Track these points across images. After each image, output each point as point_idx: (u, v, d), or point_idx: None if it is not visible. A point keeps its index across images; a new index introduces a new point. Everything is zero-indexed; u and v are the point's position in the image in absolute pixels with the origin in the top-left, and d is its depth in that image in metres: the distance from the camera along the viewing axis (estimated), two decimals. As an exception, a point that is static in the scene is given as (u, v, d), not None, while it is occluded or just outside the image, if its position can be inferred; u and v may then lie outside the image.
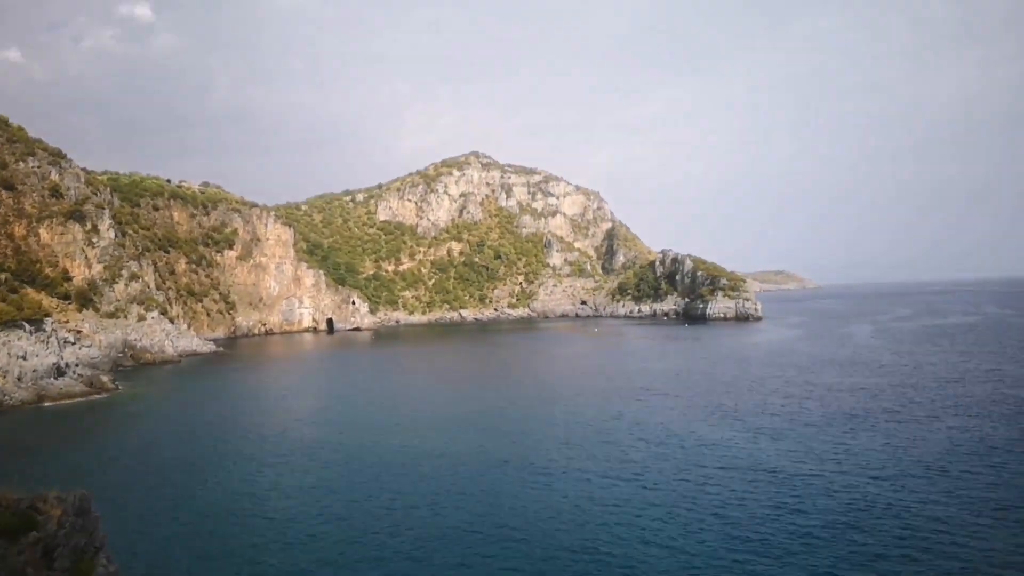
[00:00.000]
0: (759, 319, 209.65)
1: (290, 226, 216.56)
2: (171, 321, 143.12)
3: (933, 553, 30.22)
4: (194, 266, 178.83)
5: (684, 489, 40.43)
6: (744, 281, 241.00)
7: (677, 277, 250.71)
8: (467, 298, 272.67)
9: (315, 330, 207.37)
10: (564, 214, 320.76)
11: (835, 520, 34.43)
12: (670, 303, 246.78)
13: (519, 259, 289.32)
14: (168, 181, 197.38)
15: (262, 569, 31.15)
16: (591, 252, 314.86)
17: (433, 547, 33.00)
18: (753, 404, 66.71)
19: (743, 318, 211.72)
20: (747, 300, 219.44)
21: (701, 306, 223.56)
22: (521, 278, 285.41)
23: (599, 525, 35.01)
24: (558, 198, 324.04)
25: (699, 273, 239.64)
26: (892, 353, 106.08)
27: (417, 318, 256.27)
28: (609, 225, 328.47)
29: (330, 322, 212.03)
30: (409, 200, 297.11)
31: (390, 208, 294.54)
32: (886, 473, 41.82)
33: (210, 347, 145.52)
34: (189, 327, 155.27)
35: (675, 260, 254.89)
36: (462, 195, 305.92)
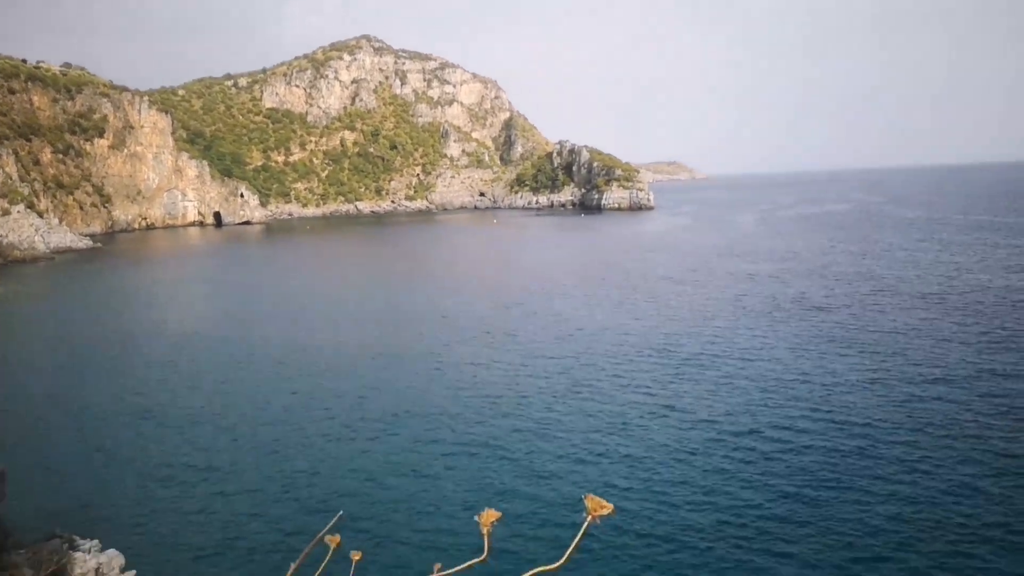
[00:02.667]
0: (651, 209, 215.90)
1: (167, 112, 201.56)
2: (40, 215, 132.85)
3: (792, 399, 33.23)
4: (61, 156, 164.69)
5: (580, 374, 42.26)
6: (638, 172, 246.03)
7: (574, 168, 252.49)
8: (363, 190, 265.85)
9: (201, 224, 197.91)
10: (461, 103, 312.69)
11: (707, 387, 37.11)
12: (567, 194, 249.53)
13: (416, 149, 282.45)
14: (24, 61, 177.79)
15: (168, 472, 30.74)
16: (489, 143, 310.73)
17: (355, 431, 33.42)
18: (644, 289, 69.57)
19: (636, 208, 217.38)
20: (640, 191, 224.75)
21: (597, 197, 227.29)
22: (418, 169, 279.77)
23: (495, 408, 36.32)
24: (455, 86, 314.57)
25: (595, 164, 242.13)
26: (771, 239, 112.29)
27: (311, 211, 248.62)
28: (507, 115, 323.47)
29: (217, 216, 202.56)
30: (297, 86, 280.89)
31: (277, 95, 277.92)
32: (766, 354, 45.09)
33: (87, 243, 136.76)
34: (61, 222, 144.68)
35: (572, 151, 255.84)
36: (354, 81, 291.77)
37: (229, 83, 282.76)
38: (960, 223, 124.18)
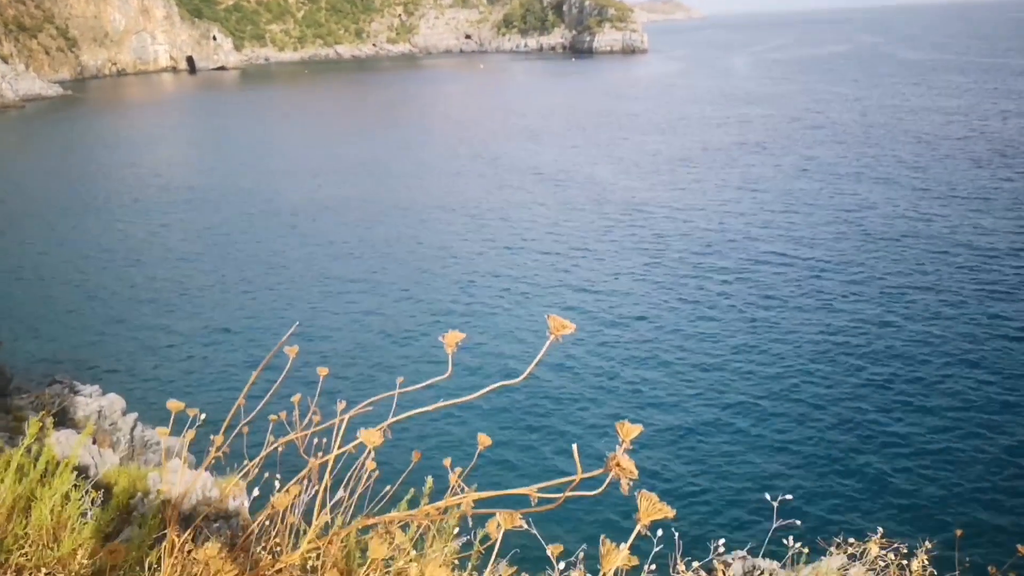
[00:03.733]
0: (645, 52, 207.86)
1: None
2: (4, 61, 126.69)
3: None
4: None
5: (570, 223, 42.39)
6: (632, 11, 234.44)
7: (564, 8, 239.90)
8: (342, 32, 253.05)
9: (174, 70, 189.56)
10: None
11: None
12: (557, 36, 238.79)
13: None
14: None
15: (160, 320, 31.35)
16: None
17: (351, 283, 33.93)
18: (634, 141, 68.45)
19: (630, 51, 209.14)
20: (634, 32, 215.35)
21: (588, 39, 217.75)
22: (400, 9, 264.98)
23: (481, 258, 36.73)
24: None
25: (587, 3, 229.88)
26: (766, 84, 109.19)
27: (288, 55, 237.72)
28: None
29: (190, 60, 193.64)
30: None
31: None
32: (741, 208, 45.12)
33: (56, 90, 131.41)
34: (28, 68, 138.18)
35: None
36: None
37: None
38: (968, 64, 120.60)
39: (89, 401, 22.59)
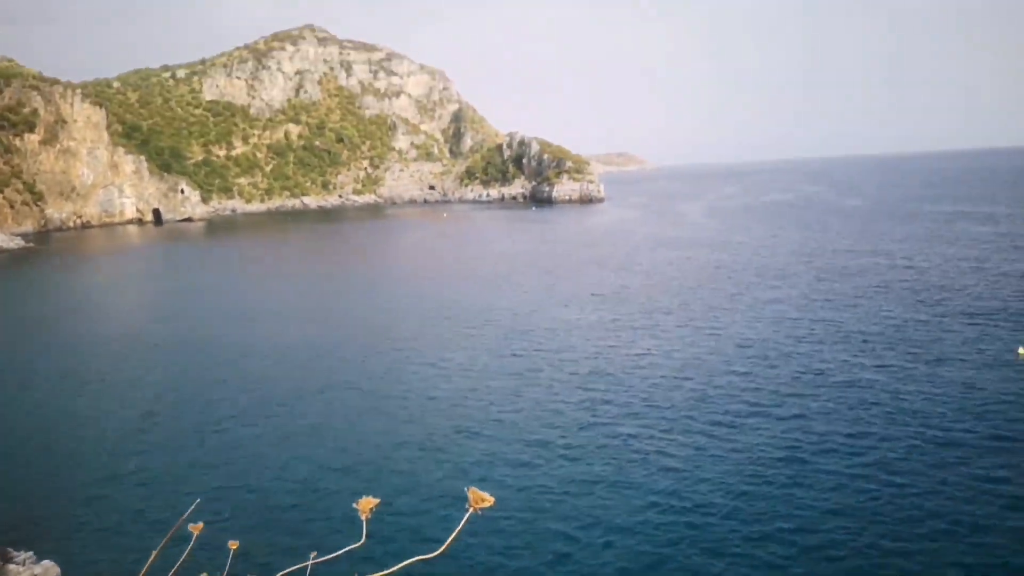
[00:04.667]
0: (602, 201, 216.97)
1: (101, 106, 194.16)
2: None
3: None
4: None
5: (532, 361, 41.85)
6: (588, 164, 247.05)
7: (524, 160, 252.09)
8: (309, 184, 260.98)
9: (140, 222, 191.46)
10: (409, 95, 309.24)
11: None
12: (518, 186, 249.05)
13: (363, 142, 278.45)
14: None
15: (101, 479, 29.25)
16: (438, 135, 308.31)
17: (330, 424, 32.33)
18: (592, 282, 69.58)
19: (587, 200, 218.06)
20: (591, 183, 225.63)
21: (547, 189, 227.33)
22: (366, 162, 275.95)
23: (454, 401, 35.67)
24: (402, 77, 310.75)
25: (545, 156, 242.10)
26: (719, 230, 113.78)
27: (255, 206, 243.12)
28: (456, 107, 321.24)
29: (157, 212, 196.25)
30: (238, 78, 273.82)
31: (217, 87, 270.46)
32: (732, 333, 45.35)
33: (18, 242, 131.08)
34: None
35: (522, 143, 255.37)
36: (298, 73, 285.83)
37: (167, 74, 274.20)
38: (893, 211, 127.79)
39: (21, 570, 20.96)
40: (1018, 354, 38.63)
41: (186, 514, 3.03)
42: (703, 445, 29.38)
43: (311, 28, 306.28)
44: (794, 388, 35.69)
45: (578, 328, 50.99)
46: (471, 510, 2.13)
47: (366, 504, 2.45)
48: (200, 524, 2.96)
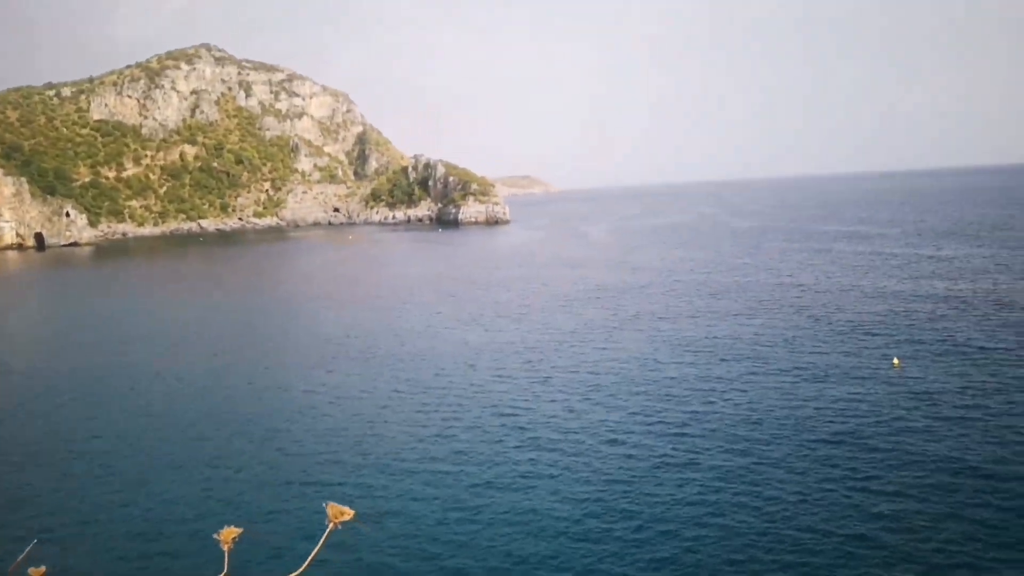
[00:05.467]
0: (508, 223, 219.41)
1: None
2: None
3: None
4: None
5: (441, 383, 41.74)
6: (493, 186, 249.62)
7: (430, 183, 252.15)
8: (207, 207, 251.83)
9: (21, 247, 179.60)
10: (312, 116, 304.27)
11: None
12: (424, 208, 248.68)
13: (264, 164, 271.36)
14: None
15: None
16: (342, 157, 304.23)
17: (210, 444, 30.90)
18: (495, 304, 70.22)
19: (493, 222, 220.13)
20: (496, 205, 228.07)
21: (453, 211, 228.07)
22: (267, 185, 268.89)
23: (335, 420, 35.09)
24: (304, 99, 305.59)
25: (451, 179, 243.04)
26: (620, 250, 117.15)
27: (149, 230, 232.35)
28: (360, 129, 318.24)
29: (39, 237, 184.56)
30: (130, 96, 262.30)
31: (106, 106, 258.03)
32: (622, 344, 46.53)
33: None
34: None
35: (428, 165, 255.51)
36: (194, 92, 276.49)
37: (51, 93, 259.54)
38: (782, 231, 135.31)
39: None
40: (893, 364, 41.55)
41: (22, 555, 2.84)
42: (596, 465, 30.10)
43: (207, 47, 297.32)
44: (688, 400, 37.08)
45: (483, 349, 51.28)
46: (331, 525, 2.06)
47: (228, 534, 2.30)
48: (43, 568, 2.76)
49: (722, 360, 44.53)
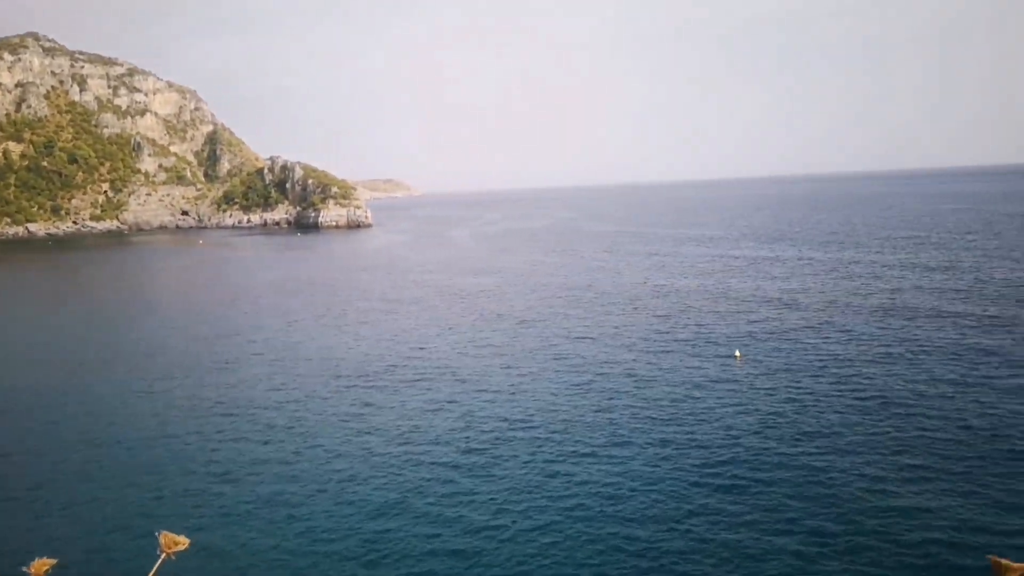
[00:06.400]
0: (370, 226, 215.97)
1: None
2: None
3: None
4: None
5: (295, 401, 40.28)
6: (355, 189, 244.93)
7: (288, 185, 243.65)
8: (35, 210, 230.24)
9: None
10: (156, 114, 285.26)
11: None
12: (281, 212, 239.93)
13: (102, 164, 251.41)
14: None
15: None
16: (191, 158, 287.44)
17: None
18: (359, 308, 68.89)
19: (355, 226, 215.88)
20: (358, 208, 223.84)
21: (313, 215, 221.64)
22: (106, 186, 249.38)
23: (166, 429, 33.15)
24: (147, 95, 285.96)
25: (310, 181, 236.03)
26: (485, 254, 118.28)
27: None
28: (211, 128, 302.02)
29: None
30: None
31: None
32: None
33: None
34: None
35: (285, 168, 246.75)
36: (19, 85, 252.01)
37: None
38: (636, 235, 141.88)
39: None
40: (735, 356, 44.55)
41: None
42: (461, 463, 30.21)
43: (35, 36, 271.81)
44: (545, 393, 37.99)
45: (340, 358, 50.13)
46: (163, 555, 1.95)
47: (40, 566, 2.13)
48: None
49: (579, 355, 45.97)
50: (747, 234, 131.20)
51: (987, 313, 52.22)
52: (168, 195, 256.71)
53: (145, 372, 47.99)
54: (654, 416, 34.75)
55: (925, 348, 43.94)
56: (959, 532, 22.40)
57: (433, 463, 30.28)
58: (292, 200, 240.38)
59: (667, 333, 52.11)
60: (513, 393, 39.61)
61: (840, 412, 33.70)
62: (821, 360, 42.78)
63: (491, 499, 26.64)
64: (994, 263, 76.10)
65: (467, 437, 33.15)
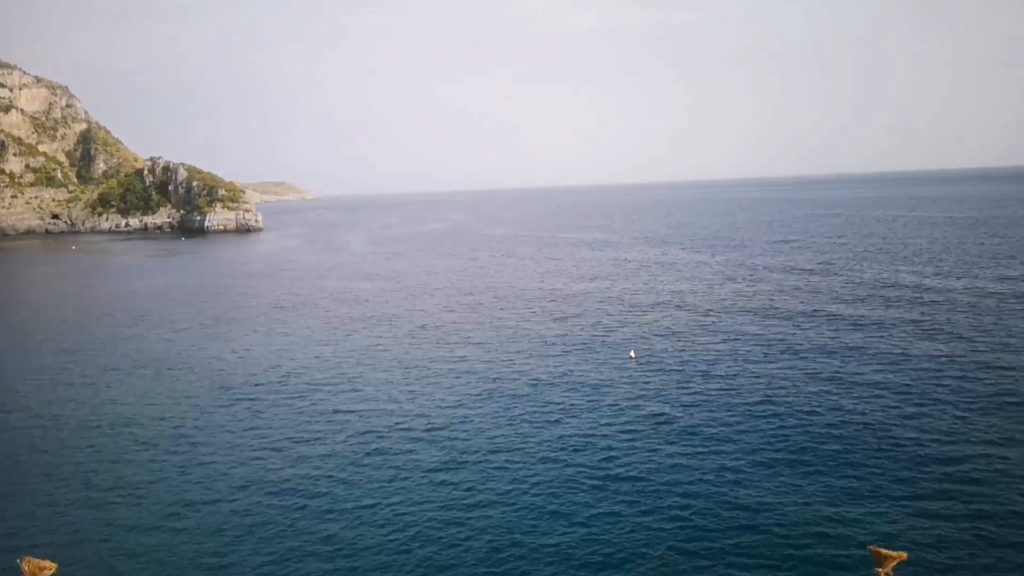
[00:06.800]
0: (260, 230, 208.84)
1: None
2: None
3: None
4: None
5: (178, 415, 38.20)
6: (244, 192, 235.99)
7: (170, 187, 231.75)
8: None
9: None
10: (22, 110, 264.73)
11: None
12: (164, 216, 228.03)
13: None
14: None
15: None
16: (62, 157, 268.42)
17: None
18: (249, 316, 66.32)
19: (245, 230, 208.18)
20: (248, 212, 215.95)
21: (199, 218, 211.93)
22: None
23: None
24: (12, 90, 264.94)
25: (195, 184, 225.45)
26: (380, 259, 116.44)
27: None
28: (84, 126, 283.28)
29: None
30: None
31: None
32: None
33: None
34: None
35: (167, 169, 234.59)
36: None
37: None
38: (530, 238, 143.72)
39: None
40: (630, 356, 45.76)
41: None
42: (342, 464, 29.55)
43: None
44: (444, 399, 37.74)
45: (228, 370, 48.08)
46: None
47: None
48: None
49: (478, 359, 45.96)
50: (639, 238, 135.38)
51: (858, 312, 55.96)
52: (36, 197, 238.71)
53: (10, 390, 44.36)
54: (554, 419, 35.15)
55: (802, 345, 46.57)
56: (841, 524, 23.70)
57: (329, 477, 29.44)
58: (176, 203, 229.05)
59: (565, 335, 52.88)
60: (413, 399, 39.11)
61: (727, 410, 35.17)
62: (709, 357, 44.56)
63: (392, 511, 26.15)
64: (864, 265, 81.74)
65: (364, 448, 32.45)
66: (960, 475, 26.56)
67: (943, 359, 41.48)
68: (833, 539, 22.70)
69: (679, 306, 62.32)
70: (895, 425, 31.75)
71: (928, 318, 52.17)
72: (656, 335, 51.58)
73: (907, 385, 37.21)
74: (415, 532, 24.31)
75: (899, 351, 43.74)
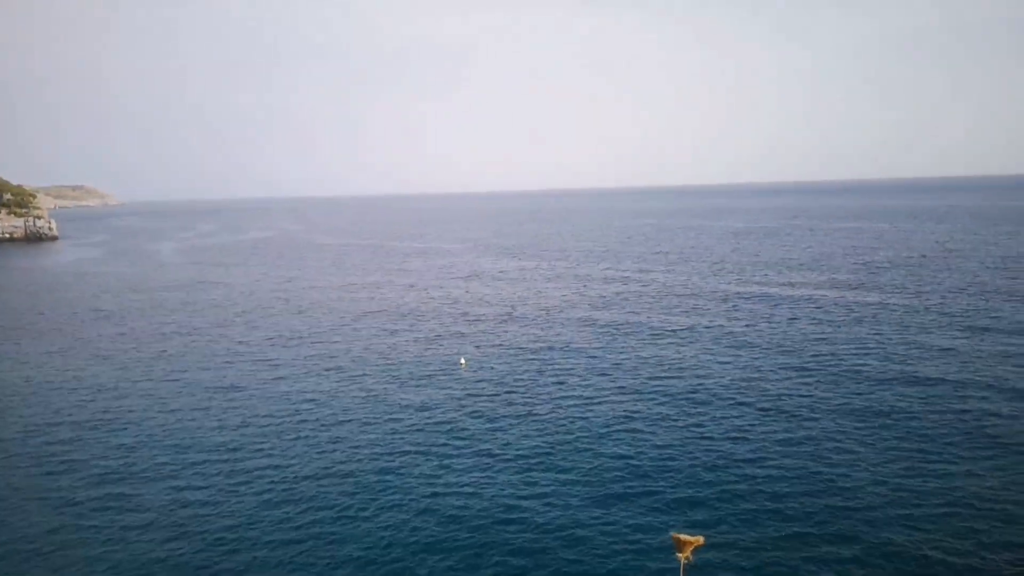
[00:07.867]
0: (55, 239, 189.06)
1: None
2: None
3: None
4: None
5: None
6: (35, 197, 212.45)
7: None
8: None
9: None
10: None
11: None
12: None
13: None
14: None
15: None
16: None
17: None
18: (39, 338, 59.23)
19: (35, 238, 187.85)
20: (39, 218, 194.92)
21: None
22: None
23: None
24: None
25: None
26: (194, 269, 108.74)
27: None
28: None
29: None
30: None
31: None
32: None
33: None
34: None
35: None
36: None
37: None
38: (362, 247, 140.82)
39: None
40: (460, 364, 45.65)
41: None
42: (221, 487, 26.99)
43: None
44: (273, 417, 35.57)
45: (8, 404, 42.56)
46: None
47: None
48: None
49: (306, 371, 43.90)
50: (470, 246, 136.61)
51: (680, 325, 59.64)
52: None
53: None
54: (385, 429, 34.15)
55: (625, 353, 48.78)
56: (644, 515, 24.82)
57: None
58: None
59: (395, 347, 51.81)
60: (226, 413, 36.42)
61: (553, 419, 35.90)
62: (539, 364, 45.44)
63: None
64: (679, 276, 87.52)
65: (175, 484, 29.69)
66: (760, 475, 28.69)
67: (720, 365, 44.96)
68: (635, 528, 23.78)
69: (508, 313, 63.23)
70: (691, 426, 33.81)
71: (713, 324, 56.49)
72: (486, 342, 51.91)
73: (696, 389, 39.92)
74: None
75: (706, 358, 46.97)
